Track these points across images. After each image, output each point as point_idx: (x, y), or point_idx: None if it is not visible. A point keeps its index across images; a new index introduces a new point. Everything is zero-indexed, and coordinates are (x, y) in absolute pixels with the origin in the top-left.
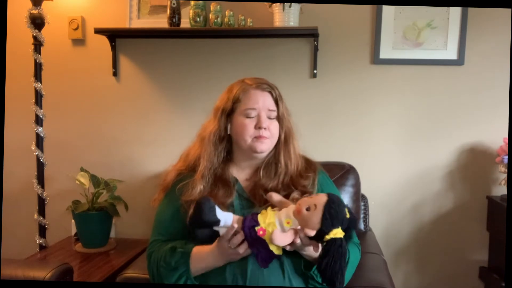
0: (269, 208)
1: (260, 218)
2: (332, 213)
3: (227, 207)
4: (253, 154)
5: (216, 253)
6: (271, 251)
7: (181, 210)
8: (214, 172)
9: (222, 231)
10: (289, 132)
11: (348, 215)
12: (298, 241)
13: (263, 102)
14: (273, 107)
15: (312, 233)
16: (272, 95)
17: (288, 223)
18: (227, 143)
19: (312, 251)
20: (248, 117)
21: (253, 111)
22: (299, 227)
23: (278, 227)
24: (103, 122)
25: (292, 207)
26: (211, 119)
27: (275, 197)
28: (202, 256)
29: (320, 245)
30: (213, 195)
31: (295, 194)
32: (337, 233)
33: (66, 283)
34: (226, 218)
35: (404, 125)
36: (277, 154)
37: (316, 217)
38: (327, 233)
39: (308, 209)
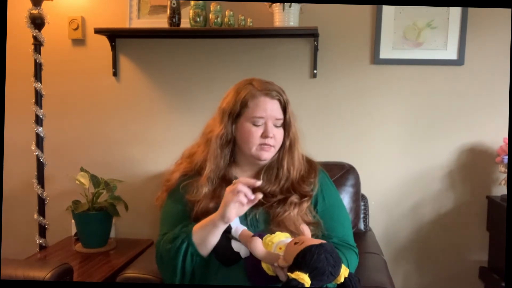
0: (285, 233)
1: (266, 236)
2: (306, 258)
3: None
4: (256, 161)
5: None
6: (260, 267)
7: (187, 208)
8: (219, 174)
9: (242, 252)
10: (294, 138)
11: (340, 280)
12: (275, 264)
13: (271, 110)
14: (280, 115)
15: (282, 263)
16: (280, 102)
17: (280, 248)
18: (233, 146)
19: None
20: (255, 124)
21: (261, 119)
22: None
23: (273, 248)
24: (103, 122)
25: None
26: (216, 119)
27: (305, 230)
28: (204, 221)
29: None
30: (217, 195)
31: (293, 198)
32: (300, 278)
33: (66, 283)
34: (237, 229)
35: (404, 124)
36: (281, 160)
37: (294, 253)
38: (292, 271)
39: (296, 243)
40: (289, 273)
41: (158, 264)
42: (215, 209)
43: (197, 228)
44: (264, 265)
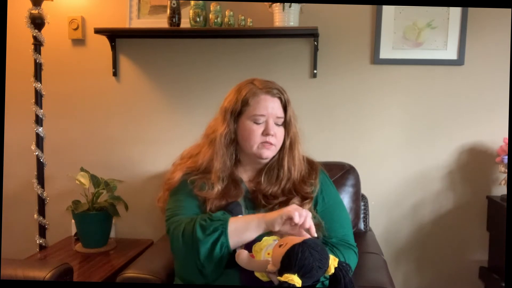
0: (273, 236)
1: (255, 245)
2: (291, 259)
3: None
4: (258, 159)
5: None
6: (254, 275)
7: (198, 201)
8: (227, 172)
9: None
10: (294, 138)
11: (331, 271)
12: (266, 270)
13: (272, 108)
14: (281, 114)
15: (271, 268)
16: (281, 100)
17: (268, 254)
18: (236, 145)
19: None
20: (256, 123)
21: (262, 117)
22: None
23: (262, 255)
24: (103, 122)
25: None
26: (218, 119)
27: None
28: (246, 217)
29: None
30: (227, 193)
31: (295, 201)
32: (289, 279)
33: (66, 283)
34: None
35: (404, 124)
36: (281, 160)
37: (280, 256)
38: (281, 274)
39: (281, 246)
40: (279, 277)
41: (175, 239)
42: (227, 205)
43: (235, 219)
44: (257, 274)
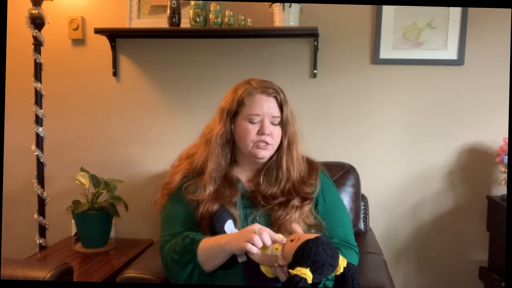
0: (279, 234)
1: None
2: (305, 252)
3: (232, 206)
4: (254, 159)
5: (230, 236)
6: (260, 270)
7: (190, 209)
8: (221, 173)
9: (240, 259)
10: (292, 137)
11: (339, 271)
12: (275, 264)
13: (267, 108)
14: (277, 113)
15: (282, 262)
16: (277, 100)
17: (276, 249)
18: (232, 145)
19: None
20: (251, 122)
21: (257, 117)
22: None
23: (269, 250)
24: (103, 122)
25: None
26: (215, 119)
27: (298, 229)
28: (211, 240)
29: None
30: (220, 194)
31: (295, 202)
32: (302, 272)
33: (66, 283)
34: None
35: (404, 125)
36: (279, 160)
37: (292, 250)
38: (293, 268)
39: (292, 240)
40: (290, 270)
41: (163, 266)
42: (215, 214)
43: (203, 248)
44: (263, 268)
